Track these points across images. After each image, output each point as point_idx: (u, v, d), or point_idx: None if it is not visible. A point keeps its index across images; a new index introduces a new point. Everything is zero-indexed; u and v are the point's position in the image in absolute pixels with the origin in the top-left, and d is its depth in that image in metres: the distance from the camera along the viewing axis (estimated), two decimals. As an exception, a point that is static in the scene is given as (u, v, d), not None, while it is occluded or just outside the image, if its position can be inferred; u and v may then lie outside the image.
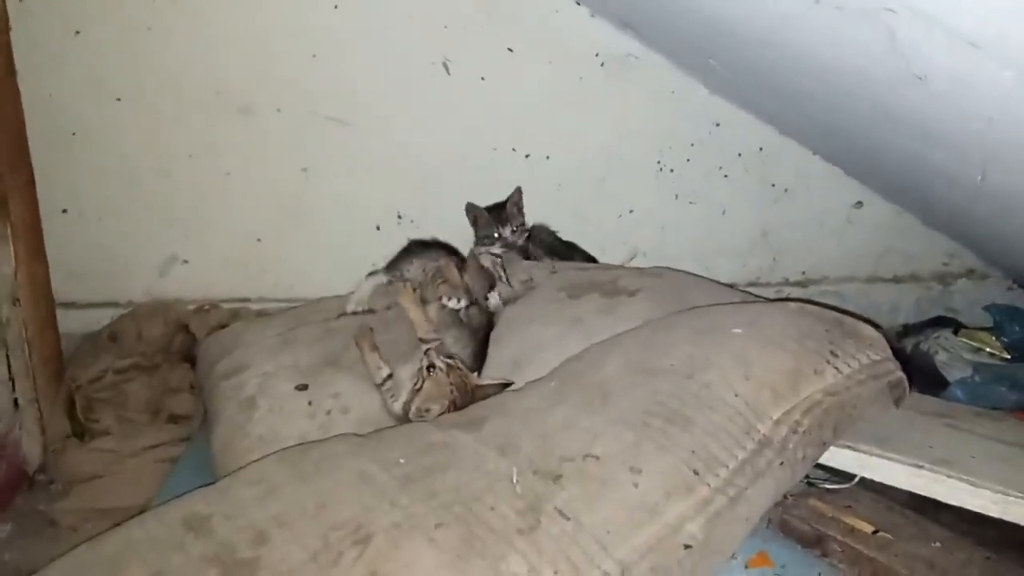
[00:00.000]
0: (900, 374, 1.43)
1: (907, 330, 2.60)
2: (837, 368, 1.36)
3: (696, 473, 1.21)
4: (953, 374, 2.27)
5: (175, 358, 2.28)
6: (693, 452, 1.23)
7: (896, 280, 2.73)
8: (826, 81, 1.79)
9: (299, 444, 1.45)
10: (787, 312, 1.50)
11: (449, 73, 2.30)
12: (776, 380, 1.33)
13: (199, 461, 1.79)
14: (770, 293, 2.63)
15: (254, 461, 1.39)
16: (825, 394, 1.33)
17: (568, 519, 1.14)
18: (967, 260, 2.74)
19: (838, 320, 1.48)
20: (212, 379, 1.91)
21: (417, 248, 2.15)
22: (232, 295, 2.44)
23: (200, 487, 1.35)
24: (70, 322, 2.32)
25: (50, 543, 1.75)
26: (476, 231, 2.19)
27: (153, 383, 2.17)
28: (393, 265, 2.11)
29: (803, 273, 2.68)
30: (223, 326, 2.23)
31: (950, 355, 2.36)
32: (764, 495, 1.25)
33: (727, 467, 1.22)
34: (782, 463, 1.26)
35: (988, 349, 2.37)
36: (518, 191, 2.20)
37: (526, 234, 2.22)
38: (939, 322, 2.58)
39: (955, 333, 2.44)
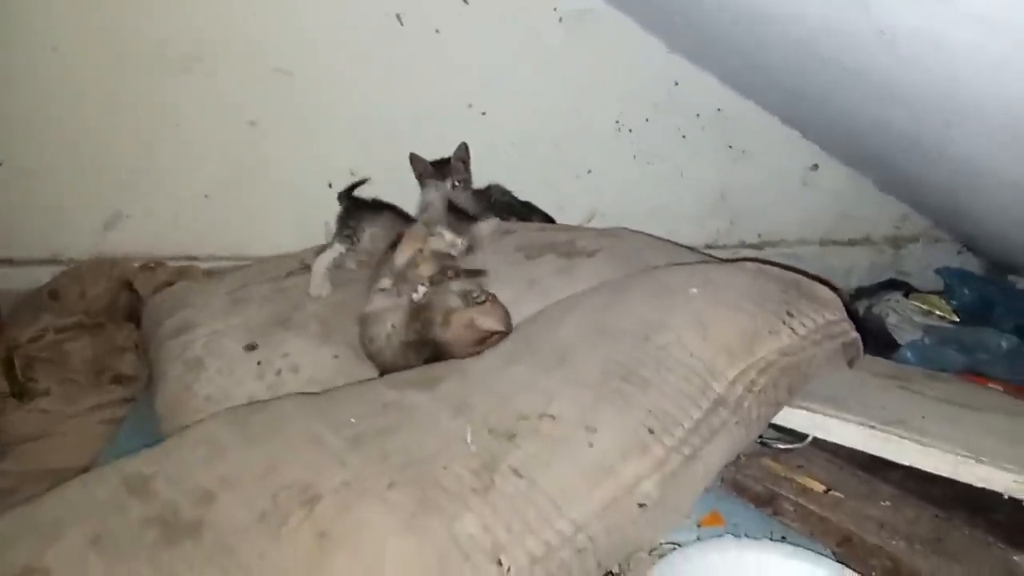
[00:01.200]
0: (855, 335, 1.44)
1: (860, 293, 2.63)
2: (793, 328, 1.36)
3: (652, 432, 1.20)
4: (904, 337, 2.30)
5: (119, 317, 2.20)
6: (649, 411, 1.22)
7: (850, 243, 2.75)
8: (789, 39, 1.77)
9: (246, 404, 1.40)
10: (744, 273, 1.49)
11: (402, 24, 2.23)
12: (732, 340, 1.32)
13: (144, 422, 1.74)
14: (727, 255, 2.63)
15: (200, 421, 1.35)
16: (780, 354, 1.33)
17: (522, 478, 1.13)
18: (919, 224, 2.77)
19: (795, 281, 1.47)
20: (158, 338, 1.85)
21: (363, 211, 2.07)
22: (179, 253, 2.36)
23: (144, 448, 1.31)
24: (8, 280, 2.25)
25: (-11, 506, 1.69)
26: (420, 183, 2.14)
27: (96, 342, 2.09)
28: (343, 232, 2.01)
29: (759, 236, 2.68)
30: (169, 284, 2.16)
31: (901, 318, 2.40)
32: (719, 454, 1.25)
33: (683, 426, 1.22)
34: (737, 422, 1.26)
35: (938, 312, 2.41)
36: (464, 146, 2.14)
37: (468, 190, 2.16)
38: (891, 285, 2.62)
39: (906, 296, 2.48)
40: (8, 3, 2.06)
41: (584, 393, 1.25)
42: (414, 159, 2.11)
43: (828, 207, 2.68)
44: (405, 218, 2.08)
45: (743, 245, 2.68)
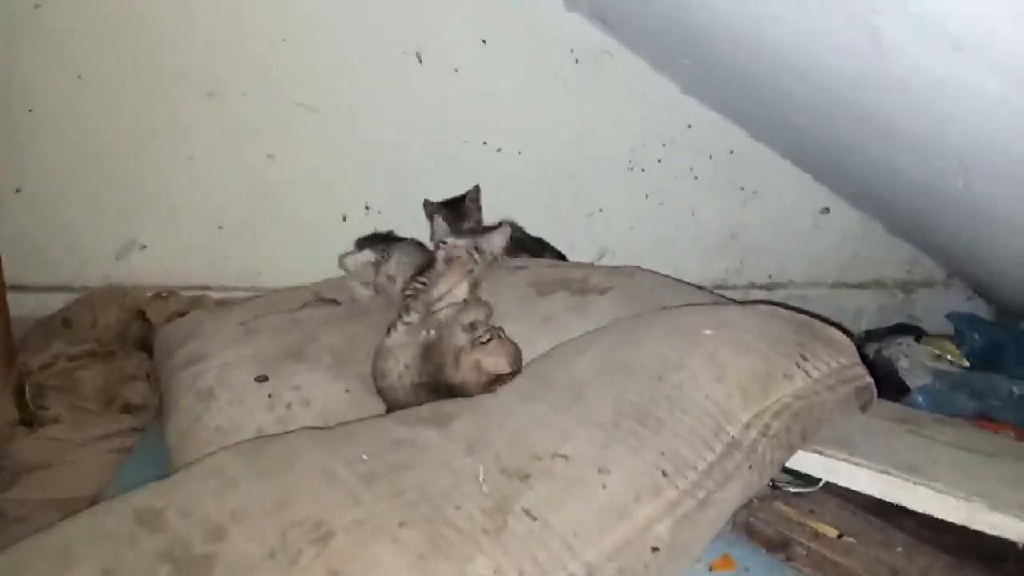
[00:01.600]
0: (868, 379, 1.43)
1: (870, 336, 2.62)
2: (807, 372, 1.35)
3: (665, 475, 1.19)
4: (915, 381, 2.29)
5: (131, 346, 2.21)
6: (663, 454, 1.22)
7: (861, 286, 2.75)
8: (804, 83, 1.79)
9: (258, 437, 1.40)
10: (758, 315, 1.49)
11: (422, 63, 2.27)
12: (747, 382, 1.32)
13: (153, 452, 1.73)
14: (736, 295, 2.63)
15: (211, 453, 1.34)
16: (795, 398, 1.32)
17: (535, 520, 1.12)
18: (929, 269, 2.77)
19: (808, 324, 1.47)
20: (169, 368, 1.85)
21: (389, 239, 2.08)
22: (192, 282, 2.37)
23: (154, 479, 1.30)
24: (21, 306, 2.23)
25: (-3, 533, 1.69)
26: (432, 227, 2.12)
27: (107, 371, 2.10)
28: (374, 244, 2.03)
29: (769, 277, 2.69)
30: (182, 314, 2.16)
31: (911, 362, 2.38)
32: (732, 498, 1.24)
33: (696, 469, 1.21)
34: (750, 466, 1.25)
35: (949, 357, 2.39)
36: (476, 189, 2.17)
37: (480, 232, 2.16)
38: (902, 329, 2.61)
39: (917, 340, 2.47)
40: (35, 32, 2.10)
41: (598, 433, 1.25)
42: (427, 205, 2.13)
43: (838, 249, 2.69)
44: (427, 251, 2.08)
45: (753, 285, 2.68)
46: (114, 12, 2.12)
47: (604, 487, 1.16)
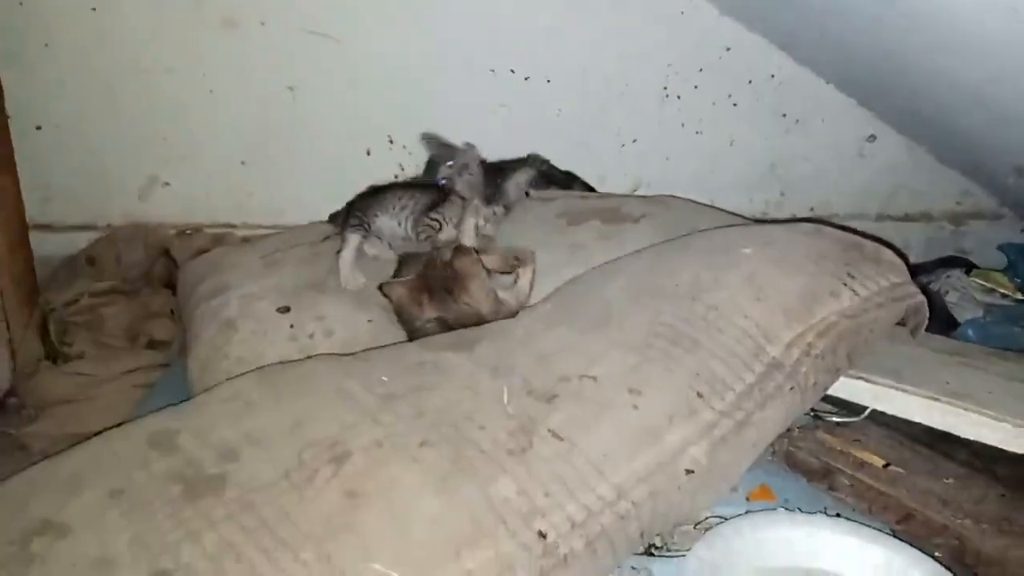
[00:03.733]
0: (921, 298, 1.35)
1: (917, 270, 2.50)
2: (854, 290, 1.27)
3: (700, 396, 1.12)
4: (964, 315, 2.18)
5: (155, 283, 2.19)
6: (698, 374, 1.15)
7: (907, 218, 2.63)
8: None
9: (278, 363, 1.36)
10: (802, 233, 1.40)
11: (447, -13, 2.17)
12: (789, 301, 1.23)
13: (177, 386, 1.70)
14: (776, 229, 2.54)
15: (230, 379, 1.30)
16: (841, 316, 1.23)
17: (562, 440, 1.06)
18: (980, 200, 2.63)
19: (857, 243, 1.38)
20: (192, 301, 1.81)
21: (367, 200, 1.94)
22: (216, 220, 2.34)
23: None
24: (46, 245, 2.23)
25: (19, 466, 1.67)
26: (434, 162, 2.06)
27: (132, 308, 2.08)
28: (350, 223, 1.87)
29: (811, 209, 2.57)
30: (206, 251, 2.13)
31: (961, 295, 2.28)
32: (772, 421, 1.16)
33: (734, 390, 1.14)
34: (792, 388, 1.17)
35: (1001, 290, 2.28)
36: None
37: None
38: (950, 262, 2.49)
39: (967, 273, 2.35)
40: (46, -36, 2.04)
41: (629, 355, 1.18)
42: (427, 139, 2.07)
43: (885, 180, 2.56)
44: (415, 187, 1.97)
45: (794, 218, 2.55)
46: (126, -64, 2.05)
47: (635, 408, 1.10)
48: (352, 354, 1.36)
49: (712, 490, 1.10)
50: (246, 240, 2.24)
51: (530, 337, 1.30)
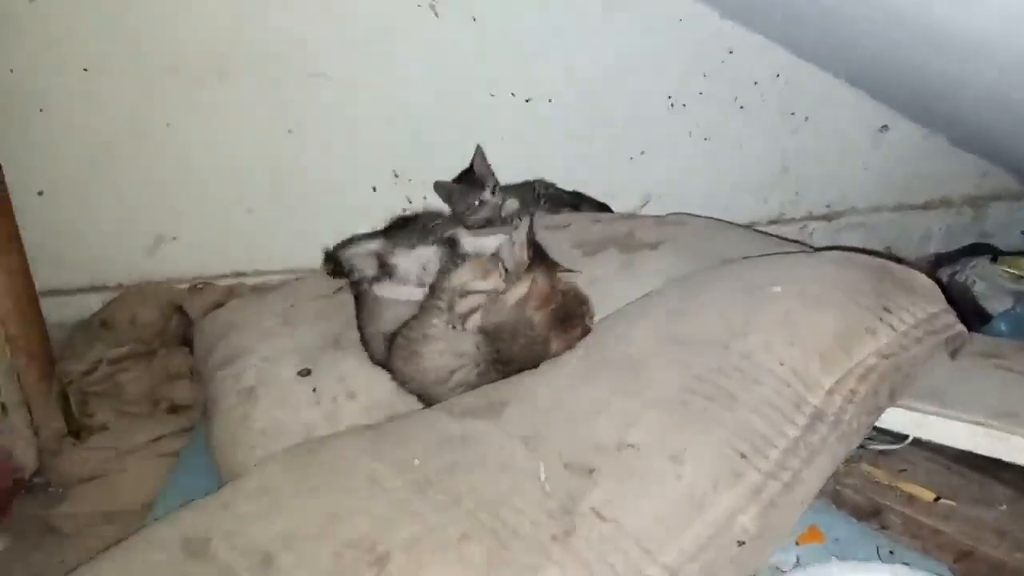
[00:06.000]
0: (960, 327, 1.30)
1: (940, 260, 2.46)
2: (891, 325, 1.22)
3: (744, 456, 1.08)
4: (994, 306, 2.14)
5: (172, 342, 2.16)
6: (738, 432, 1.11)
7: (926, 206, 2.57)
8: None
9: (304, 443, 1.33)
10: (830, 263, 1.36)
11: (437, 15, 2.11)
12: (825, 344, 1.19)
13: (203, 454, 1.68)
14: (794, 229, 2.49)
15: (256, 466, 1.27)
16: (880, 356, 1.19)
17: (606, 520, 1.03)
18: (1000, 180, 2.57)
19: (886, 268, 1.33)
20: (210, 366, 1.79)
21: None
22: (226, 270, 2.30)
23: (204, 492, 1.24)
24: (59, 310, 2.20)
25: (52, 551, 1.66)
26: (454, 208, 2.02)
27: (151, 370, 2.05)
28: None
29: (828, 206, 2.52)
30: (219, 304, 2.10)
31: (989, 285, 2.23)
32: (819, 474, 1.13)
33: (777, 447, 1.10)
34: (838, 438, 1.13)
35: (1030, 277, 2.23)
36: (479, 148, 2.04)
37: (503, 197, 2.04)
38: (974, 250, 2.44)
39: (993, 261, 2.30)
40: (35, 27, 1.99)
41: (665, 415, 1.14)
42: (439, 186, 2.02)
43: (900, 169, 2.50)
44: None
45: (811, 217, 2.52)
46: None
47: (679, 478, 1.06)
48: (378, 427, 1.33)
49: (763, 555, 1.07)
50: (258, 289, 2.22)
51: (559, 398, 1.26)
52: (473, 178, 2.02)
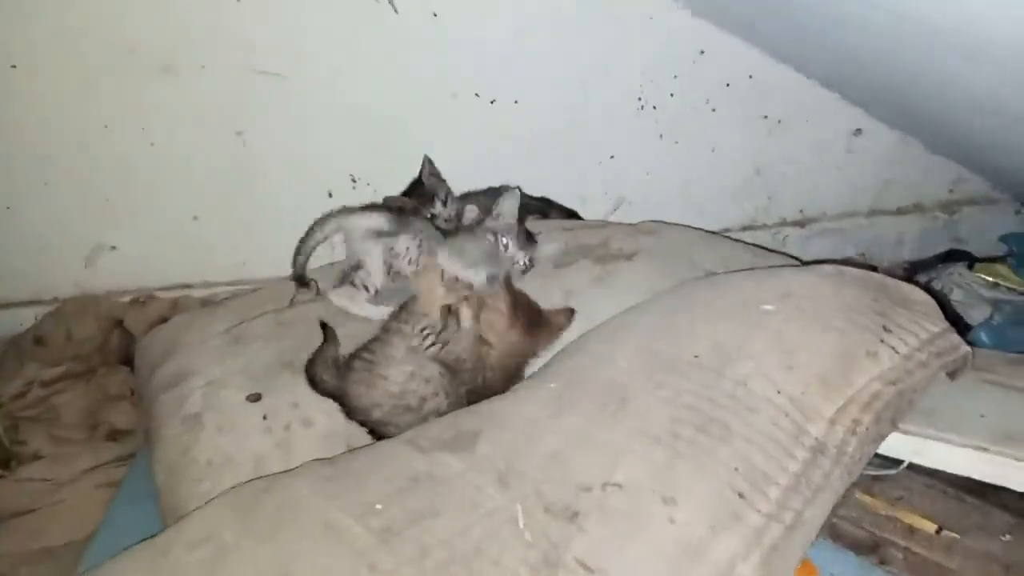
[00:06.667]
0: (966, 349, 1.22)
1: (915, 267, 2.40)
2: (893, 347, 1.14)
3: (742, 496, 0.99)
4: (972, 315, 2.08)
5: (111, 360, 2.02)
6: (736, 469, 1.01)
7: (900, 212, 2.52)
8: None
9: (253, 482, 1.20)
10: (824, 278, 1.26)
11: (396, 11, 1.99)
12: (824, 367, 1.10)
13: (144, 483, 1.54)
14: (767, 235, 2.42)
15: (199, 509, 1.14)
16: (884, 383, 1.10)
17: (592, 572, 0.92)
18: (974, 185, 2.53)
19: (884, 285, 1.25)
20: (151, 390, 1.65)
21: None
22: (171, 282, 2.17)
23: (136, 545, 1.11)
24: (-10, 324, 2.05)
25: (-20, 598, 1.51)
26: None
27: (88, 393, 1.91)
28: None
29: (801, 211, 2.45)
30: (163, 319, 1.96)
31: (966, 292, 2.17)
32: (823, 511, 1.03)
33: (778, 485, 1.01)
34: (840, 473, 1.04)
35: (1006, 284, 2.18)
36: (426, 159, 1.95)
37: (455, 201, 1.95)
38: (950, 256, 2.39)
39: (969, 268, 2.25)
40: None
41: (654, 450, 1.04)
42: (387, 201, 1.91)
43: (874, 174, 2.45)
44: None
45: (784, 223, 2.45)
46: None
47: (672, 521, 0.96)
48: (335, 461, 1.20)
49: (764, 604, 0.97)
50: (205, 302, 2.08)
51: (536, 429, 1.15)
52: (422, 190, 1.91)
